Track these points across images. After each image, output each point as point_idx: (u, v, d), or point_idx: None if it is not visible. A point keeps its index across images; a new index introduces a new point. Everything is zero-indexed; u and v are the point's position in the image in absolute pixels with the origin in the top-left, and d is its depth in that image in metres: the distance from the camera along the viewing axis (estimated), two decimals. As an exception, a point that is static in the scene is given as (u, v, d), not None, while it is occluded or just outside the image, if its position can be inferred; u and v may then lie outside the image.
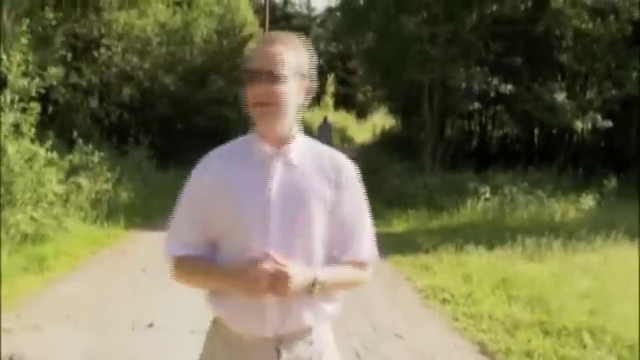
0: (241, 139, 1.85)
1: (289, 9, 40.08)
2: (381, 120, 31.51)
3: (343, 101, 37.68)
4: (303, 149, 1.81)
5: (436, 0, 13.79)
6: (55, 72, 12.69)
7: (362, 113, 37.41)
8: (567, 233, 8.57)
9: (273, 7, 34.52)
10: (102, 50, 16.21)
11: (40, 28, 13.02)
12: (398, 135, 24.03)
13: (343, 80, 37.66)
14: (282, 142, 1.77)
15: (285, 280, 1.65)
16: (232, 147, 1.85)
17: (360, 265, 1.85)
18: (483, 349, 4.81)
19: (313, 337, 1.80)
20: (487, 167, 14.55)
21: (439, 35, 13.75)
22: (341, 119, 35.20)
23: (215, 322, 1.86)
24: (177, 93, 17.16)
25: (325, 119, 22.21)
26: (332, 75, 36.62)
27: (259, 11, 29.35)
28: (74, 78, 15.11)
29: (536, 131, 17.81)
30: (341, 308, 1.84)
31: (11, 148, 7.70)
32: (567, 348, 4.60)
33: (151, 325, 5.15)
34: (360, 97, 38.52)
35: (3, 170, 7.48)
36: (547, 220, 10.58)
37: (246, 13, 25.28)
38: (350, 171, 1.83)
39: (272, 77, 1.70)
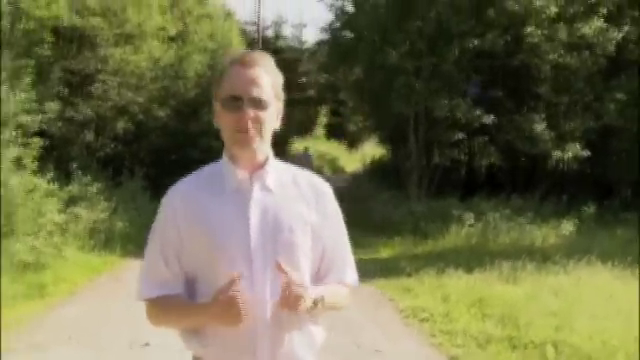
0: (210, 166, 1.78)
1: (280, 42, 40.85)
2: (372, 150, 32.07)
3: (334, 131, 38.29)
4: (279, 173, 1.75)
5: (419, 35, 14.42)
6: (52, 107, 13.16)
7: (353, 143, 37.93)
8: (543, 257, 9.00)
9: (265, 41, 35.29)
10: (97, 85, 16.68)
11: (38, 65, 13.50)
12: (387, 164, 24.53)
13: (334, 111, 38.32)
14: (256, 167, 1.71)
15: (300, 293, 1.59)
16: (202, 175, 1.76)
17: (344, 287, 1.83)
18: (456, 362, 5.21)
19: None
20: (473, 195, 15.03)
21: (423, 68, 14.36)
22: (333, 149, 35.82)
23: None
24: (170, 126, 17.66)
25: (305, 149, 21.71)
26: (324, 107, 37.34)
27: (251, 45, 30.11)
28: (70, 112, 15.57)
29: (520, 160, 18.33)
30: (325, 333, 1.81)
31: (13, 180, 8.12)
32: (531, 359, 5.00)
33: (147, 344, 5.51)
34: (351, 127, 39.13)
35: (5, 202, 7.88)
36: (527, 245, 11.01)
37: (238, 48, 26.02)
38: (329, 195, 1.79)
39: (255, 103, 1.65)
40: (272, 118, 1.71)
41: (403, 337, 6.04)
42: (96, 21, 16.01)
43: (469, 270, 8.45)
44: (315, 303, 1.66)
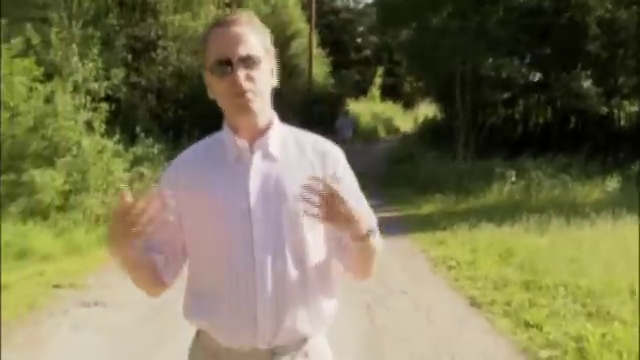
0: (215, 135, 1.68)
1: (337, 3, 40.97)
2: (426, 110, 32.14)
3: (390, 92, 38.43)
4: (283, 139, 1.63)
5: (463, -5, 14.58)
6: (118, 73, 14.12)
7: (409, 103, 38.04)
8: (574, 212, 9.33)
9: (320, 1, 35.41)
10: (159, 51, 17.59)
11: (104, 33, 14.43)
12: (439, 124, 24.74)
13: (389, 71, 38.38)
14: (259, 133, 1.60)
15: (348, 211, 1.47)
16: (205, 145, 1.68)
17: None
18: (473, 301, 5.79)
19: (309, 347, 1.63)
20: (521, 155, 15.21)
21: (468, 28, 14.55)
22: (388, 110, 36.06)
23: (199, 335, 1.68)
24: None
25: (346, 112, 20.84)
26: (380, 67, 37.50)
27: (306, 6, 30.41)
28: (134, 78, 16.55)
29: (572, 118, 18.30)
30: (337, 310, 1.67)
31: (85, 142, 9.08)
32: (540, 299, 5.54)
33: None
34: (406, 88, 39.17)
35: (79, 161, 8.86)
36: (569, 201, 11.26)
37: (293, 10, 26.36)
38: (336, 157, 1.66)
39: (248, 61, 1.52)
40: (267, 75, 1.58)
41: (429, 282, 6.66)
42: (157, -12, 16.80)
43: (500, 224, 8.91)
44: (368, 234, 1.53)
